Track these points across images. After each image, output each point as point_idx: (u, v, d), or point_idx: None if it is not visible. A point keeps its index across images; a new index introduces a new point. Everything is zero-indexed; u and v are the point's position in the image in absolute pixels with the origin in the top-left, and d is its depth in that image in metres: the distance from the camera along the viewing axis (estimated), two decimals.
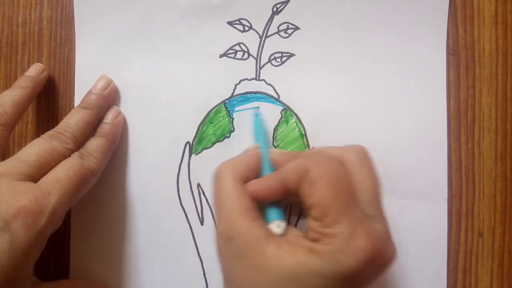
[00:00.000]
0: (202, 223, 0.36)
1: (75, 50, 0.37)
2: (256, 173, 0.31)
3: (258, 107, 0.36)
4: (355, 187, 0.28)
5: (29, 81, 0.35)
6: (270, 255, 0.27)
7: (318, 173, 0.27)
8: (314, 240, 0.27)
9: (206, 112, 0.36)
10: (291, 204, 0.34)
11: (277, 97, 0.36)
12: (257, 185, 0.29)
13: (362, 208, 0.28)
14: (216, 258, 0.36)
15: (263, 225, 0.28)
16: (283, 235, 0.29)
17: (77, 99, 0.36)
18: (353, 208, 0.27)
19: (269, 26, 0.36)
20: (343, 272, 0.26)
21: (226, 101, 0.36)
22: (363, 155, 0.30)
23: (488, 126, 0.36)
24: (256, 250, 0.27)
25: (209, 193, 0.36)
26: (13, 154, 0.32)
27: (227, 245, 0.28)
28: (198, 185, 0.36)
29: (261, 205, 0.30)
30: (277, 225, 0.29)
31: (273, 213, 0.30)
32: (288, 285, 0.26)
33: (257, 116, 0.35)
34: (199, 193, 0.36)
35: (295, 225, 0.35)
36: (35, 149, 0.32)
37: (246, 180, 0.30)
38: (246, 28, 0.36)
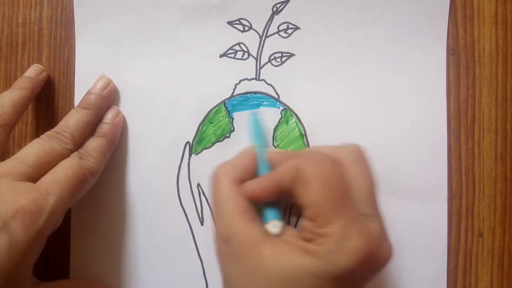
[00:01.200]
0: (202, 223, 0.36)
1: (75, 50, 0.37)
2: (253, 174, 0.31)
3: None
4: (350, 186, 0.28)
5: (28, 82, 0.35)
6: (266, 255, 0.27)
7: (310, 173, 0.27)
8: (308, 240, 0.27)
9: (206, 112, 0.36)
10: (290, 205, 0.34)
11: (277, 97, 0.36)
12: (252, 186, 0.30)
13: (357, 207, 0.28)
14: (216, 258, 0.36)
15: (260, 226, 0.29)
16: (280, 235, 0.29)
17: (77, 99, 0.36)
18: (347, 208, 0.27)
19: (269, 26, 0.36)
20: (337, 272, 0.26)
21: (226, 101, 0.36)
22: (358, 154, 0.30)
23: (488, 126, 0.36)
24: (252, 251, 0.27)
25: (209, 193, 0.36)
26: (13, 154, 0.32)
27: (225, 246, 0.28)
28: (198, 185, 0.36)
29: (259, 206, 0.30)
30: (273, 225, 0.29)
31: (269, 213, 0.30)
32: (283, 285, 0.26)
33: (254, 115, 0.35)
34: (199, 193, 0.36)
35: (295, 226, 0.35)
36: (34, 150, 0.32)
37: (242, 181, 0.30)
38: (246, 28, 0.36)
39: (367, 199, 0.28)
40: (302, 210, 0.28)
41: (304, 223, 0.28)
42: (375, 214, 0.28)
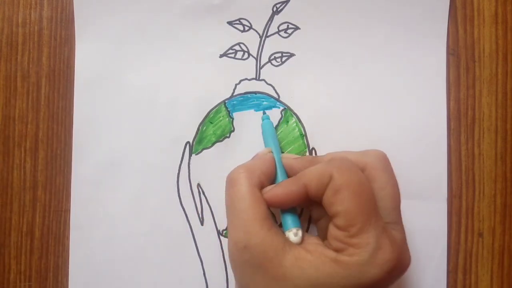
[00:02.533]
0: (202, 223, 0.36)
1: (75, 50, 0.37)
2: (271, 179, 0.30)
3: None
4: (376, 194, 0.28)
5: None
6: (289, 265, 0.26)
7: (342, 181, 0.27)
8: (338, 250, 0.26)
9: (206, 112, 0.36)
10: (301, 209, 0.34)
11: (277, 97, 0.36)
12: (275, 192, 0.28)
13: (382, 215, 0.27)
14: (216, 258, 0.36)
15: (280, 234, 0.28)
16: (300, 243, 0.28)
17: (77, 99, 0.36)
18: (377, 217, 0.27)
19: (269, 26, 0.36)
20: (368, 282, 0.25)
21: (226, 101, 0.36)
22: (384, 161, 0.29)
23: (488, 126, 0.36)
24: (273, 261, 0.26)
25: (209, 193, 0.36)
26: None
27: (243, 254, 0.27)
28: (198, 185, 0.36)
29: (275, 212, 0.30)
30: (294, 234, 0.28)
31: (289, 220, 0.29)
32: None
33: (265, 119, 0.34)
34: (199, 193, 0.36)
35: (307, 231, 0.34)
36: None
37: (261, 186, 0.29)
38: (246, 28, 0.36)
39: (393, 207, 0.28)
40: (332, 218, 0.27)
41: (333, 231, 0.27)
42: (398, 223, 0.28)
